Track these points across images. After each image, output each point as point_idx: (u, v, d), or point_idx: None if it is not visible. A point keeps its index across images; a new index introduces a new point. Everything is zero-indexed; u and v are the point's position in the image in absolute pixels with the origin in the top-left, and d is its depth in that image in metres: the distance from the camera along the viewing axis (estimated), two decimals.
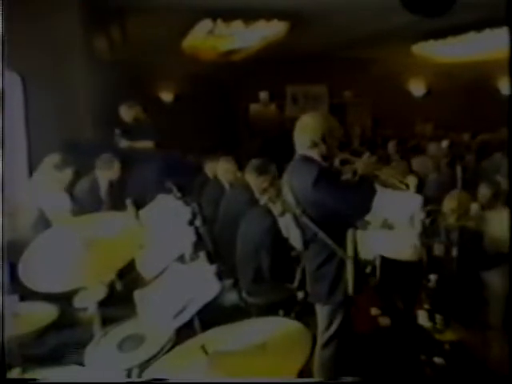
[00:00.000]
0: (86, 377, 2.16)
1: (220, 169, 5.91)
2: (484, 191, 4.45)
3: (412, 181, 4.73)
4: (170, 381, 1.53)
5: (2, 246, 2.20)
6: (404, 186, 4.09)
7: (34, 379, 2.02)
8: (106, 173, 5.21)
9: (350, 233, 3.20)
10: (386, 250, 4.58)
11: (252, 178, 4.83)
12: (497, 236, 4.02)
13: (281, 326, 1.80)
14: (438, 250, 3.92)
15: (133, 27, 8.43)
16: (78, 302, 2.84)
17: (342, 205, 3.18)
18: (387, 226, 4.58)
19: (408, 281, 4.85)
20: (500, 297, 4.06)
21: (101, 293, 2.62)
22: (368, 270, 3.88)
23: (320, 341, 3.38)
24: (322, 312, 3.39)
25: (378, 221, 4.46)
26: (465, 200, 4.34)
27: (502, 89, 11.39)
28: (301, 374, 3.41)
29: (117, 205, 4.14)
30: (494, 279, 4.07)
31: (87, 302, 2.68)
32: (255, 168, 4.83)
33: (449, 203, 4.28)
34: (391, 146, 7.82)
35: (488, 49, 9.62)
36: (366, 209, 3.28)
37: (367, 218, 3.91)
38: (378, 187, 3.38)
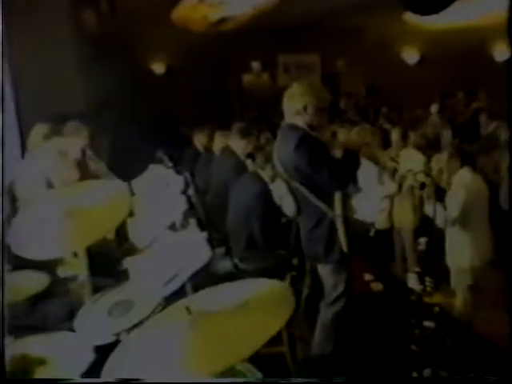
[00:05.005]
0: (77, 342, 2.19)
1: (217, 143, 5.73)
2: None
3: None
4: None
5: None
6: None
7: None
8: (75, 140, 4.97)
9: (337, 195, 3.24)
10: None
11: (236, 141, 4.90)
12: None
13: (264, 286, 1.81)
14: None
15: None
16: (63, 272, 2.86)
17: (321, 173, 3.19)
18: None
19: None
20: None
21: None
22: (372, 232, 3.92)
23: (327, 299, 3.51)
24: (324, 272, 3.51)
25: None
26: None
27: (496, 55, 11.29)
28: (292, 339, 3.51)
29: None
30: None
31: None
32: (238, 131, 4.92)
33: (435, 165, 4.31)
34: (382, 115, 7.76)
35: (481, 14, 9.52)
36: (347, 181, 3.29)
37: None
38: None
